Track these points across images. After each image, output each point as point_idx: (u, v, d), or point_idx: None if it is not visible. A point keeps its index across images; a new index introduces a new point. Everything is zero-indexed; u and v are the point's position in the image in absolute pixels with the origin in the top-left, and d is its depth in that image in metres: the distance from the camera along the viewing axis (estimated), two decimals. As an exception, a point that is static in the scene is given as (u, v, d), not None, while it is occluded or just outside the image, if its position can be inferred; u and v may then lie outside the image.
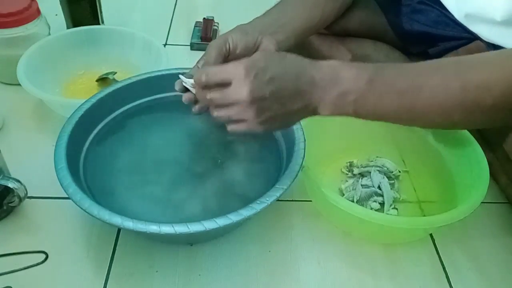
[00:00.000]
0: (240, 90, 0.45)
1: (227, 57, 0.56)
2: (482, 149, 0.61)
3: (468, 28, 0.69)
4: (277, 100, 0.46)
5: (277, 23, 0.62)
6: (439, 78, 0.45)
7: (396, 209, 0.65)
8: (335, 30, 0.79)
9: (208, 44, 0.95)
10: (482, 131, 0.68)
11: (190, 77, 0.54)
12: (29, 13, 0.77)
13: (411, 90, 0.45)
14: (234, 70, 0.45)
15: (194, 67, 0.58)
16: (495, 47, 0.69)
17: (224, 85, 0.46)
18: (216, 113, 0.48)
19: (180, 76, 0.55)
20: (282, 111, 0.47)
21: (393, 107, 0.46)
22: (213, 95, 0.47)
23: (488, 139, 0.67)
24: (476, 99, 0.43)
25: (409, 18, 0.74)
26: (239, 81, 0.44)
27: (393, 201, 0.65)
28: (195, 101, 0.55)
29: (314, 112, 0.48)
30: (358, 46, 0.78)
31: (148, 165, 0.64)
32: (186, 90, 0.55)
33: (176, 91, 0.67)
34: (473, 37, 0.69)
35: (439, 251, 0.61)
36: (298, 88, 0.46)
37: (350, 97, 0.46)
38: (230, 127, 0.49)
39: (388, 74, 0.46)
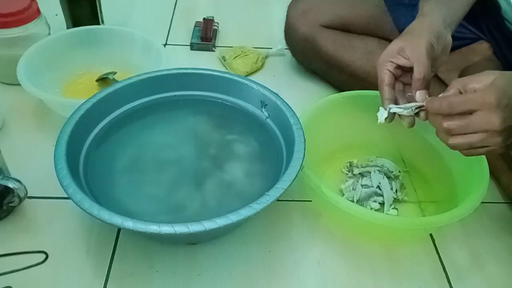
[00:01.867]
0: (492, 119, 0.43)
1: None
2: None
3: (472, 29, 0.68)
4: None
5: (451, 12, 0.58)
6: None
7: (396, 209, 0.65)
8: (341, 27, 0.78)
9: (208, 44, 0.96)
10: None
11: (392, 100, 0.53)
12: (29, 13, 0.77)
13: None
14: (483, 100, 0.43)
15: (383, 72, 0.54)
16: (499, 47, 0.69)
17: (466, 113, 0.45)
18: (453, 140, 0.46)
19: (392, 106, 0.52)
20: None
21: None
22: (454, 124, 0.45)
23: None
24: None
25: (414, 17, 0.74)
26: (490, 110, 0.43)
27: (393, 201, 0.65)
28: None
29: None
30: (362, 43, 0.78)
31: (148, 165, 0.64)
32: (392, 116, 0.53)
33: (176, 91, 0.68)
34: (477, 37, 0.69)
35: (439, 251, 0.61)
36: None
37: None
38: (469, 152, 0.47)
39: None
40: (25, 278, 0.53)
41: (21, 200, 0.58)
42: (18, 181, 0.56)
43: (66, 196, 0.49)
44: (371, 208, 0.64)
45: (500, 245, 0.63)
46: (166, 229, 0.46)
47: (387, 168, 0.68)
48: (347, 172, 0.70)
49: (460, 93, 0.46)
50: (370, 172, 0.68)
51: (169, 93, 0.68)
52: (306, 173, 0.56)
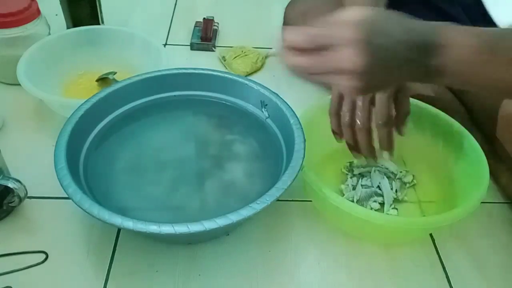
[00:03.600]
0: (351, 60, 0.38)
1: None
2: (482, 149, 0.61)
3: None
4: (387, 68, 0.40)
5: None
6: None
7: (396, 209, 0.65)
8: None
9: (208, 44, 0.96)
10: (483, 131, 0.68)
11: None
12: (29, 13, 0.77)
13: None
14: (347, 35, 0.38)
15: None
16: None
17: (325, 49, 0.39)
18: (312, 76, 0.41)
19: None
20: (389, 79, 0.41)
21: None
22: (313, 61, 0.40)
23: (488, 138, 0.67)
24: None
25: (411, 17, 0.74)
26: (350, 48, 0.38)
27: (393, 201, 0.65)
28: None
29: (428, 68, 0.41)
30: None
31: (148, 165, 0.64)
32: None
33: (175, 91, 0.68)
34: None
35: (439, 251, 0.61)
36: (406, 44, 0.39)
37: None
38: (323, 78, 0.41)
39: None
40: (25, 278, 0.53)
41: (21, 200, 0.58)
42: (18, 181, 0.56)
43: (66, 196, 0.49)
44: (371, 208, 0.64)
45: (499, 245, 0.63)
46: (166, 229, 0.46)
47: (387, 168, 0.68)
48: (347, 172, 0.70)
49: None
50: (370, 172, 0.68)
51: (169, 93, 0.68)
52: (306, 173, 0.56)
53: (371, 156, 0.59)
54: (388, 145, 0.58)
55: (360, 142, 0.58)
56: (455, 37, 0.40)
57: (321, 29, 0.39)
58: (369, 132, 0.57)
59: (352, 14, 0.39)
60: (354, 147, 0.59)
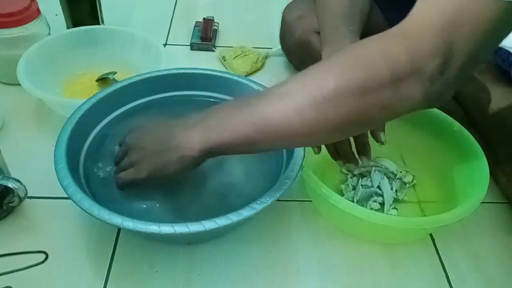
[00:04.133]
0: (126, 139, 0.56)
1: None
2: (482, 149, 0.61)
3: None
4: (150, 140, 0.52)
5: None
6: (281, 86, 0.44)
7: (396, 209, 0.65)
8: None
9: (208, 44, 0.96)
10: (482, 131, 0.68)
11: None
12: (29, 13, 0.77)
13: (257, 102, 0.44)
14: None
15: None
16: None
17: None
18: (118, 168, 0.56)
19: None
20: (155, 148, 0.51)
21: (246, 123, 0.45)
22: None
23: (488, 139, 0.67)
24: (317, 85, 0.41)
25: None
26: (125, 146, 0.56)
27: (393, 201, 0.65)
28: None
29: (184, 151, 0.48)
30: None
31: (148, 165, 0.64)
32: None
33: (176, 91, 0.68)
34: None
35: (439, 251, 0.61)
36: (169, 130, 0.51)
37: (212, 120, 0.47)
38: (118, 176, 0.55)
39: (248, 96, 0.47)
40: (25, 278, 0.53)
41: (21, 200, 0.58)
42: (18, 181, 0.56)
43: (66, 196, 0.49)
44: (371, 208, 0.64)
45: (499, 245, 0.63)
46: (166, 229, 0.46)
47: (387, 168, 0.68)
48: (347, 172, 0.70)
49: None
50: (370, 172, 0.68)
51: (169, 93, 0.68)
52: (306, 173, 0.56)
53: (350, 162, 0.61)
54: (364, 152, 0.60)
55: (340, 150, 0.61)
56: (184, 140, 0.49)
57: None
58: (347, 140, 0.60)
59: (134, 126, 0.57)
60: (334, 154, 0.62)
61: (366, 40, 0.42)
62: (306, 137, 0.44)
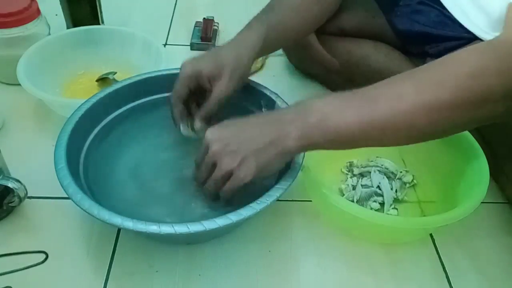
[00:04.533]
0: (212, 148, 0.50)
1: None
2: (482, 149, 0.61)
3: (467, 28, 0.69)
4: (244, 141, 0.49)
5: (273, 43, 0.64)
6: (393, 87, 0.45)
7: (396, 209, 0.65)
8: (335, 31, 0.79)
9: (208, 44, 0.96)
10: (482, 131, 0.68)
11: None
12: (29, 13, 0.77)
13: (367, 103, 0.46)
14: (211, 154, 0.50)
15: (180, 86, 0.59)
16: None
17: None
18: (211, 182, 0.52)
19: (184, 132, 0.60)
20: (253, 147, 0.49)
21: (354, 123, 0.46)
22: (203, 173, 0.52)
23: (488, 139, 0.67)
24: (433, 97, 0.43)
25: (409, 18, 0.74)
26: (219, 159, 0.50)
27: (393, 201, 0.65)
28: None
29: (284, 145, 0.48)
30: (358, 46, 0.78)
31: (148, 165, 0.64)
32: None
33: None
34: (473, 37, 0.69)
35: (439, 251, 0.61)
36: (261, 127, 0.49)
37: (312, 120, 0.47)
38: (224, 190, 0.51)
39: (345, 94, 0.47)
40: (25, 278, 0.53)
41: (21, 200, 0.58)
42: (18, 181, 0.56)
43: (66, 196, 0.49)
44: (371, 208, 0.64)
45: (500, 245, 0.63)
46: (166, 229, 0.46)
47: (387, 168, 0.68)
48: (347, 172, 0.70)
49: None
50: (370, 172, 0.68)
51: (169, 93, 0.68)
52: (306, 173, 0.56)
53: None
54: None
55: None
56: (304, 125, 0.47)
57: (200, 157, 0.52)
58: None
59: (209, 135, 0.51)
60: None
61: (477, 48, 0.44)
62: (408, 140, 0.48)
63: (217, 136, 0.50)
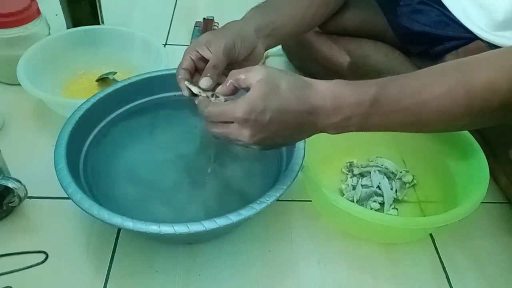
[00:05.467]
0: (242, 133, 0.45)
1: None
2: (482, 149, 0.61)
3: (468, 28, 0.69)
4: (279, 135, 0.46)
5: (272, 26, 0.61)
6: (443, 87, 0.44)
7: (396, 209, 0.65)
8: (336, 30, 0.79)
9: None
10: (482, 131, 0.68)
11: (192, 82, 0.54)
12: (29, 13, 0.77)
13: (415, 105, 0.44)
14: (234, 114, 0.45)
15: (185, 57, 0.55)
16: (496, 46, 0.69)
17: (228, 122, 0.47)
18: (223, 138, 0.49)
19: (188, 85, 0.53)
20: (286, 140, 0.48)
21: (398, 123, 0.46)
22: (219, 131, 0.47)
23: (488, 139, 0.67)
24: (483, 103, 0.43)
25: (409, 18, 0.74)
26: (240, 125, 0.45)
27: (393, 201, 0.65)
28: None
29: (319, 133, 0.48)
30: (358, 46, 0.78)
31: (148, 165, 0.64)
32: (193, 94, 0.54)
33: (176, 91, 0.68)
34: (474, 37, 0.69)
35: (439, 251, 0.61)
36: (299, 122, 0.46)
37: (354, 120, 0.45)
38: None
39: (392, 92, 0.45)
40: (25, 278, 0.53)
41: (21, 200, 0.58)
42: (18, 181, 0.56)
43: (66, 196, 0.49)
44: (371, 208, 0.64)
45: (500, 245, 0.63)
46: (166, 229, 0.46)
47: (387, 168, 0.68)
48: (347, 172, 0.70)
49: (235, 87, 0.48)
50: (370, 172, 0.68)
51: (169, 93, 0.68)
52: (306, 173, 0.56)
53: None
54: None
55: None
56: (340, 98, 0.45)
57: (224, 107, 0.46)
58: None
59: (252, 78, 0.45)
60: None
61: None
62: (447, 130, 0.51)
63: (252, 121, 0.44)
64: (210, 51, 0.54)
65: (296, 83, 0.46)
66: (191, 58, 0.55)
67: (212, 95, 0.51)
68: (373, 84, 0.45)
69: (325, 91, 0.45)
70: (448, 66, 0.46)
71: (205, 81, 0.52)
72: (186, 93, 0.54)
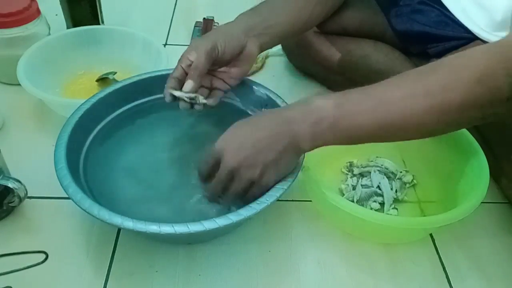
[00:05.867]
0: (225, 163, 0.49)
1: (214, 62, 0.57)
2: (482, 149, 0.61)
3: (468, 28, 0.69)
4: (260, 151, 0.49)
5: (264, 24, 0.62)
6: (403, 90, 0.46)
7: (396, 209, 0.65)
8: (335, 30, 0.79)
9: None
10: (482, 131, 0.68)
11: (176, 86, 0.57)
12: (29, 13, 0.77)
13: (379, 106, 0.46)
14: (211, 153, 0.50)
15: (177, 67, 0.57)
16: None
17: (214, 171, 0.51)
18: (230, 194, 0.52)
19: (172, 91, 0.56)
20: (271, 157, 0.49)
21: (367, 126, 0.47)
22: (217, 186, 0.51)
23: (488, 139, 0.67)
24: (444, 100, 0.44)
25: (409, 18, 0.74)
26: (222, 159, 0.50)
27: (393, 201, 0.65)
28: (191, 106, 0.58)
29: (298, 148, 0.50)
30: (358, 46, 0.78)
31: (148, 165, 0.64)
32: (175, 99, 0.57)
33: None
34: (474, 37, 0.69)
35: (439, 251, 0.61)
36: (274, 132, 0.49)
37: (323, 124, 0.48)
38: (247, 197, 0.51)
39: (354, 96, 0.48)
40: (25, 278, 0.53)
41: (21, 200, 0.58)
42: (18, 181, 0.56)
43: (66, 196, 0.49)
44: (371, 208, 0.64)
45: (500, 245, 0.63)
46: (166, 229, 0.46)
47: (387, 168, 0.68)
48: (347, 172, 0.70)
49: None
50: (370, 172, 0.68)
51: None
52: (306, 173, 0.56)
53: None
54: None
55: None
56: (307, 103, 0.49)
57: (208, 168, 0.52)
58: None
59: (221, 145, 0.50)
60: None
61: (484, 50, 0.45)
62: (415, 137, 0.51)
63: (230, 147, 0.49)
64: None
65: (271, 112, 0.52)
66: (182, 67, 0.56)
67: (195, 98, 0.55)
68: (338, 93, 0.49)
69: (294, 104, 0.50)
70: (410, 71, 0.48)
71: (187, 85, 0.56)
72: (167, 99, 0.57)
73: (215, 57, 0.56)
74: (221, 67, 0.60)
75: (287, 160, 0.51)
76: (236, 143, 0.49)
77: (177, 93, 0.55)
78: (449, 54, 0.71)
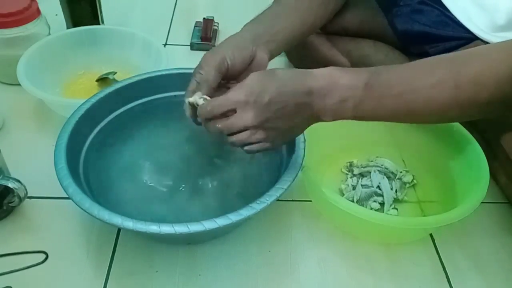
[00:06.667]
0: (245, 117, 0.47)
1: (225, 74, 0.56)
2: (482, 149, 0.61)
3: (468, 28, 0.69)
4: (280, 117, 0.47)
5: (270, 31, 0.62)
6: (433, 78, 0.46)
7: (396, 209, 0.65)
8: (335, 30, 0.79)
9: (208, 44, 0.96)
10: (482, 131, 0.68)
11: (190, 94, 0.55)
12: (29, 13, 0.77)
13: (407, 93, 0.46)
14: (233, 99, 0.47)
15: (191, 81, 0.56)
16: None
17: (229, 114, 0.48)
18: (230, 139, 0.50)
19: (187, 100, 0.54)
20: (288, 125, 0.49)
21: (391, 110, 0.47)
22: (222, 125, 0.48)
23: (488, 139, 0.67)
24: (471, 95, 0.45)
25: (409, 18, 0.74)
26: (242, 109, 0.47)
27: (393, 201, 0.65)
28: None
29: (317, 119, 0.50)
30: (358, 46, 0.78)
31: (148, 165, 0.64)
32: (193, 108, 0.54)
33: (176, 91, 0.68)
34: (474, 37, 0.69)
35: (439, 251, 0.61)
36: (297, 102, 0.47)
37: (349, 103, 0.47)
38: (246, 148, 0.50)
39: (384, 79, 0.47)
40: (25, 278, 0.53)
41: (21, 200, 0.58)
42: (18, 181, 0.56)
43: (66, 196, 0.49)
44: (371, 208, 0.64)
45: (499, 245, 0.63)
46: (166, 229, 0.46)
47: (387, 168, 0.68)
48: (347, 172, 0.70)
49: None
50: (370, 172, 0.68)
51: (169, 93, 0.68)
52: (306, 173, 0.56)
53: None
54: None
55: None
56: (335, 79, 0.47)
57: (223, 97, 0.48)
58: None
59: (245, 82, 0.47)
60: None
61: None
62: (435, 122, 0.54)
63: (253, 105, 0.46)
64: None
65: (292, 70, 0.49)
66: (196, 81, 0.55)
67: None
68: (367, 71, 0.48)
69: (321, 74, 0.48)
70: (442, 58, 0.48)
71: (195, 96, 0.54)
72: (187, 113, 0.55)
73: (225, 70, 0.55)
74: (234, 79, 0.59)
75: (303, 127, 0.52)
76: (259, 102, 0.46)
77: (191, 99, 0.54)
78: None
